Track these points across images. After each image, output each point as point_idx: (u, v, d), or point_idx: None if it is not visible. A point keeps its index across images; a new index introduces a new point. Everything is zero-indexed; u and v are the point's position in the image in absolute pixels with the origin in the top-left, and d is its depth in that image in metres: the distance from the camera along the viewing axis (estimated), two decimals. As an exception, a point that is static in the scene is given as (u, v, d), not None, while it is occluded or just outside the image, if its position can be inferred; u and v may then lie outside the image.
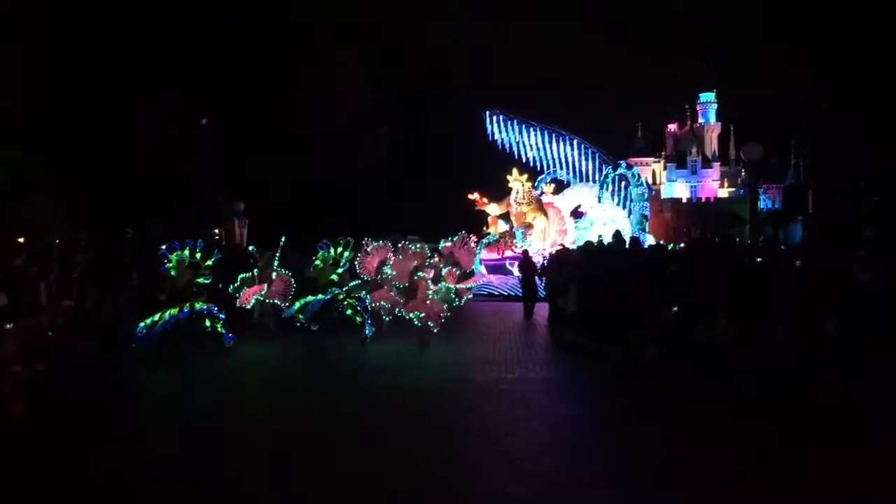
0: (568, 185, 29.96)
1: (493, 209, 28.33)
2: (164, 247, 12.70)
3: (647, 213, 29.25)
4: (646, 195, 29.57)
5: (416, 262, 12.67)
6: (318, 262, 13.22)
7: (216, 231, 24.56)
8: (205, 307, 12.44)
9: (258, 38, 25.40)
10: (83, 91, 20.43)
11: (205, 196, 24.16)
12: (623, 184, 29.40)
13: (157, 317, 12.06)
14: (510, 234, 27.12)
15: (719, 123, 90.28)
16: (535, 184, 28.95)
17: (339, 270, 13.20)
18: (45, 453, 6.81)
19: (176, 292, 12.38)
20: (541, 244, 26.76)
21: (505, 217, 28.42)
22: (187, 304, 12.27)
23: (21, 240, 15.17)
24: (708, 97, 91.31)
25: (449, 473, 6.24)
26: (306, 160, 28.76)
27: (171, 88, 22.34)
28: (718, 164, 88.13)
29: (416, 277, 12.59)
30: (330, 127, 29.06)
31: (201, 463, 6.59)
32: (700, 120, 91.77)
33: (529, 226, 27.73)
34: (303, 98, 27.29)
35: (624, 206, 29.11)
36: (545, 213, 28.34)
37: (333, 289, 13.03)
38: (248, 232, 25.28)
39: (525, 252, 20.81)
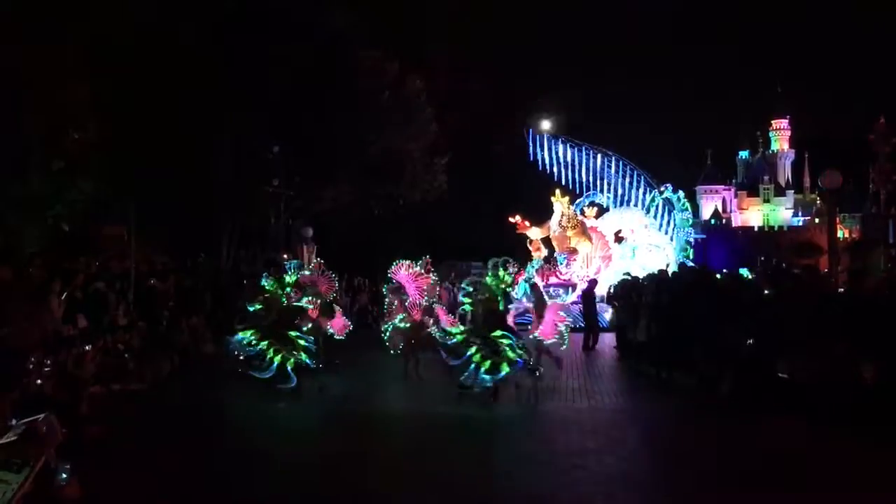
0: (607, 209, 28.72)
1: (534, 233, 26.57)
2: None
3: (691, 239, 28.04)
4: (690, 220, 28.48)
5: None
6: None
7: (285, 255, 25.05)
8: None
9: (326, 67, 25.92)
10: (159, 116, 21.12)
11: (276, 222, 24.74)
12: (668, 208, 28.45)
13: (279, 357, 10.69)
14: (553, 259, 26.17)
15: (792, 150, 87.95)
16: (574, 206, 27.53)
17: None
18: (123, 474, 6.93)
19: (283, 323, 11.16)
20: (583, 271, 25.01)
21: (545, 241, 26.65)
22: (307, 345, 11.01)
23: (97, 263, 15.69)
24: (780, 123, 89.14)
25: (517, 505, 6.10)
26: (372, 186, 29.11)
27: (247, 114, 23.02)
28: (792, 191, 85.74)
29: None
30: (397, 154, 29.33)
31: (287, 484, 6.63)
32: (772, 146, 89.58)
33: (574, 250, 25.66)
34: (370, 126, 27.65)
35: (667, 232, 28.20)
36: (589, 238, 26.81)
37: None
38: (315, 257, 25.63)
39: (593, 281, 20.36)
